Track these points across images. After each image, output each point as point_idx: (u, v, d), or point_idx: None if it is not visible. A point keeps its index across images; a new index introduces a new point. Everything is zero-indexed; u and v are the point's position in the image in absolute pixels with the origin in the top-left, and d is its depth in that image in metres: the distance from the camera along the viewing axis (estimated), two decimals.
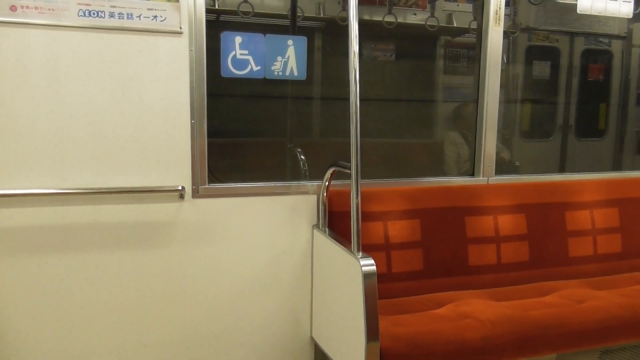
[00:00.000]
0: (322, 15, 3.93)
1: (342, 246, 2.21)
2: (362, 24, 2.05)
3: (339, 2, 3.81)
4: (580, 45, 4.86)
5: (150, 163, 2.33)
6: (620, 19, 4.61)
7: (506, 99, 4.62)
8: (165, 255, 2.40)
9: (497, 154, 2.92)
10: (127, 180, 2.30)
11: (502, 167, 3.36)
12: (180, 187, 2.35)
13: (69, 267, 2.29)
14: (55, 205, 2.25)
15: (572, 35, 4.81)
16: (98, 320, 2.36)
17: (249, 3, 3.13)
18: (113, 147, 2.27)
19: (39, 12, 2.12)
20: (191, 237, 2.43)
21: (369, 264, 2.01)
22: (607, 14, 3.04)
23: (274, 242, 2.54)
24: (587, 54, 4.89)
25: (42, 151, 2.19)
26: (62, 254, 2.28)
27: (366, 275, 1.99)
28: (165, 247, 2.40)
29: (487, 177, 2.88)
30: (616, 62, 4.90)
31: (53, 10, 2.13)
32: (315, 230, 2.54)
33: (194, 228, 2.43)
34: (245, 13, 3.11)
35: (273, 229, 2.53)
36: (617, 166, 5.01)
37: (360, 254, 2.05)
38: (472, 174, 2.92)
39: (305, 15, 3.79)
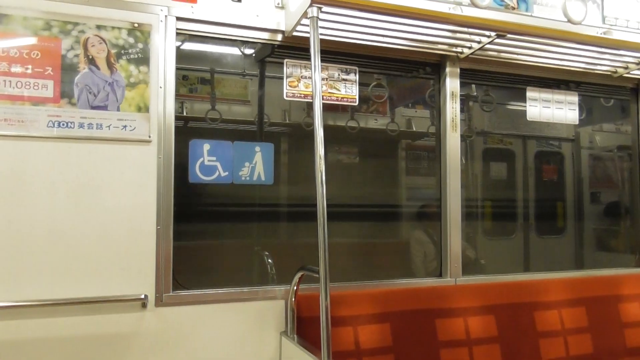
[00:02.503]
0: (287, 121, 4.08)
1: (312, 355, 2.13)
2: (326, 128, 2.14)
3: (303, 109, 3.97)
4: (532, 147, 5.13)
5: (113, 271, 2.26)
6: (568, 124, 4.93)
7: (467, 199, 4.76)
8: None
9: (463, 252, 2.96)
10: (87, 290, 2.22)
11: (469, 265, 3.39)
12: (142, 296, 2.28)
13: None
14: (7, 319, 2.13)
15: (525, 138, 5.09)
16: None
17: (217, 110, 3.24)
18: (74, 256, 2.21)
19: (8, 124, 2.13)
20: (153, 349, 2.31)
21: None
22: (555, 121, 3.25)
23: (241, 351, 2.44)
24: (540, 156, 5.15)
25: None
26: None
27: None
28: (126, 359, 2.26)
29: (454, 277, 2.89)
30: (567, 163, 5.17)
31: (22, 122, 2.14)
32: (283, 337, 2.45)
33: (157, 339, 2.32)
34: (213, 120, 3.21)
35: (240, 337, 2.44)
36: (578, 262, 5.11)
37: None
38: (440, 275, 2.93)
39: (271, 121, 3.92)
